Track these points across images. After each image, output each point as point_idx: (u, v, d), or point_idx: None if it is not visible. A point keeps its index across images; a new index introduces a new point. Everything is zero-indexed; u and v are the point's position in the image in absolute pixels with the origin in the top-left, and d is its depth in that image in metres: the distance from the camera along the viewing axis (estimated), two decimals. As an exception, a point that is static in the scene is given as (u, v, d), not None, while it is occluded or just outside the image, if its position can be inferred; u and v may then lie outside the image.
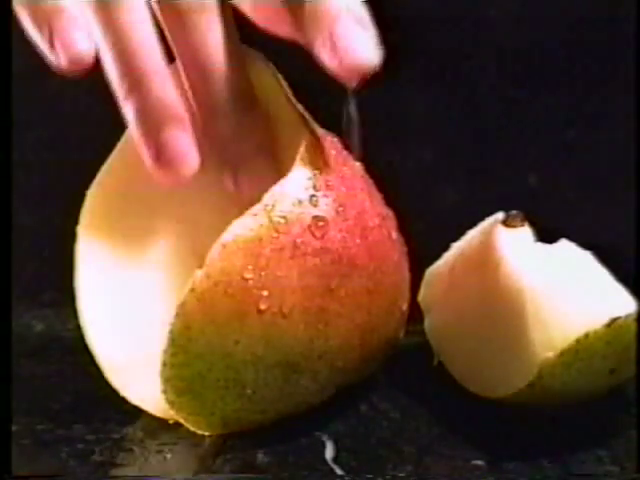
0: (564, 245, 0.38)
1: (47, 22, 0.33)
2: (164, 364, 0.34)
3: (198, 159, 0.34)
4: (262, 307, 0.34)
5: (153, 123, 0.33)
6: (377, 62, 0.33)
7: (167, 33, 0.35)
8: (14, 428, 0.38)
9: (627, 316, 0.35)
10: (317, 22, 0.33)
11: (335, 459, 0.36)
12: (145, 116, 0.33)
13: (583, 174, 0.49)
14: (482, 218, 0.41)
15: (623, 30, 0.46)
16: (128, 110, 0.33)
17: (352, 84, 0.33)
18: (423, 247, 0.41)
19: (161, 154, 0.33)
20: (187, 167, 0.33)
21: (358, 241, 0.36)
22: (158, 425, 0.38)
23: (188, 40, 0.35)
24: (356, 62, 0.32)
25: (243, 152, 0.37)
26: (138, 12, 0.33)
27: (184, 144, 0.33)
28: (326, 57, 0.32)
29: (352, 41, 0.32)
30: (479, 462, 0.36)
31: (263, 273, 0.34)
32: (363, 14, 0.33)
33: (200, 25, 0.35)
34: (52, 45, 0.33)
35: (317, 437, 0.38)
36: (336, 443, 0.37)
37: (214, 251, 0.34)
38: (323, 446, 0.37)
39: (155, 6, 0.35)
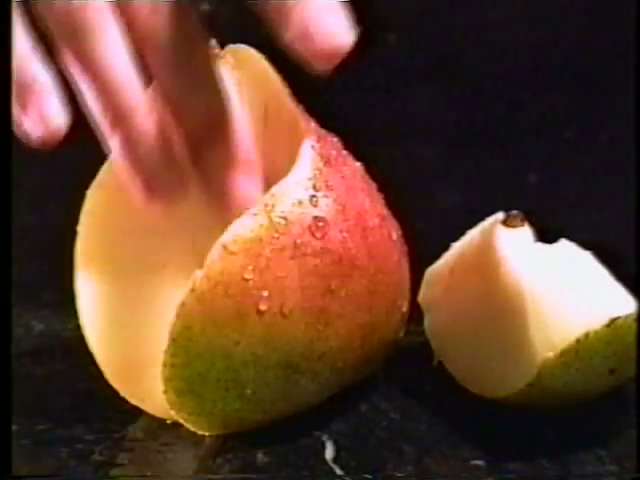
0: (564, 245, 0.38)
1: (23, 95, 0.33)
2: (164, 364, 0.34)
3: (186, 185, 0.34)
4: (262, 308, 0.34)
5: (140, 154, 0.33)
6: (349, 43, 0.32)
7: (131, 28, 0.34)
8: (14, 428, 0.38)
9: (627, 316, 0.35)
10: (285, 11, 0.32)
11: (335, 459, 0.36)
12: (132, 148, 0.33)
13: (583, 174, 0.49)
14: (482, 218, 0.41)
15: (623, 30, 0.46)
16: (114, 142, 0.33)
17: (327, 68, 0.33)
18: (423, 247, 0.41)
19: (151, 184, 0.33)
20: (177, 195, 0.34)
21: (358, 241, 0.36)
22: (158, 425, 0.38)
23: (148, 32, 0.34)
24: (328, 45, 0.32)
25: (206, 136, 0.35)
26: (114, 43, 0.33)
27: (173, 174, 0.34)
28: (298, 44, 0.32)
29: (322, 25, 0.32)
30: (479, 462, 0.36)
31: (263, 274, 0.34)
32: None
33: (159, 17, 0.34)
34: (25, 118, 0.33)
35: (317, 437, 0.38)
36: (336, 443, 0.37)
37: (214, 252, 0.34)
38: (323, 446, 0.37)
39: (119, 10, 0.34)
